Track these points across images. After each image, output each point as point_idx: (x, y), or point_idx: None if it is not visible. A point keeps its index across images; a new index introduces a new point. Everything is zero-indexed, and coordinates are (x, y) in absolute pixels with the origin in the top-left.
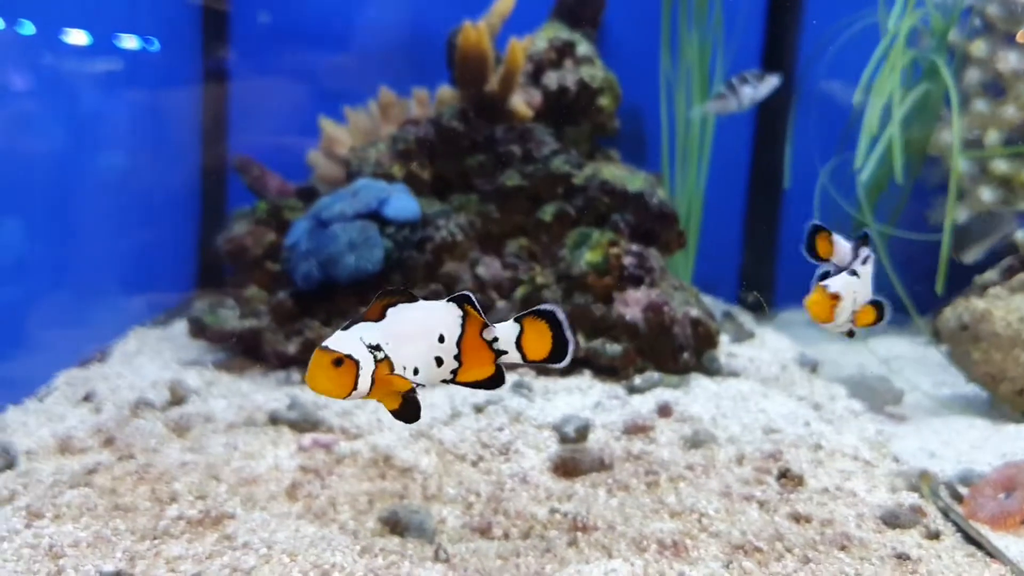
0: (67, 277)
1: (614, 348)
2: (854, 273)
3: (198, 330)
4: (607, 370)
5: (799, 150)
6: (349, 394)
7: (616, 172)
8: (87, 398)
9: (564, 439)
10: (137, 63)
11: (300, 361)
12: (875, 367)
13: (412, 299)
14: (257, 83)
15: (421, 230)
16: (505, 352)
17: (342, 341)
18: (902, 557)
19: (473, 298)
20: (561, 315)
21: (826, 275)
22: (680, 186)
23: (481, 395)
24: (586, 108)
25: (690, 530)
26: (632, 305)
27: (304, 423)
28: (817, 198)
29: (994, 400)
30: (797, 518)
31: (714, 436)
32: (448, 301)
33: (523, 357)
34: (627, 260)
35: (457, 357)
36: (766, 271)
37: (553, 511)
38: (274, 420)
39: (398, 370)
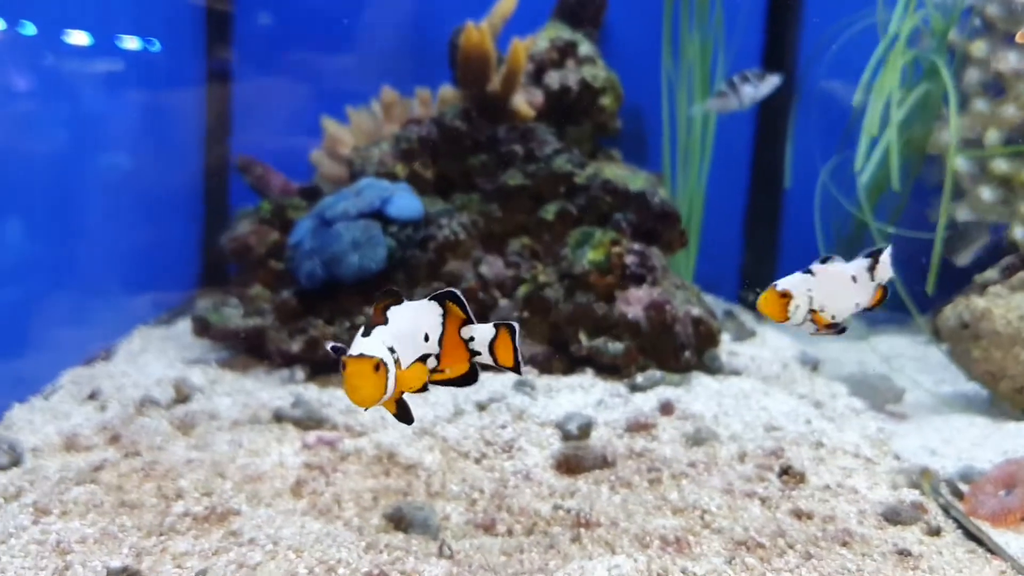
0: (71, 276)
1: (616, 346)
2: (809, 272)
3: (202, 329)
4: (609, 368)
5: (800, 149)
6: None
7: (618, 171)
8: (92, 396)
9: (567, 436)
10: (141, 64)
11: (304, 359)
12: (876, 365)
13: (400, 300)
14: (260, 83)
15: (424, 229)
16: (479, 353)
17: (373, 347)
18: (903, 553)
19: (458, 293)
20: (517, 331)
21: (827, 260)
22: (681, 185)
23: (484, 393)
24: (588, 108)
25: (692, 526)
26: (634, 304)
27: (308, 421)
28: (818, 197)
29: (994, 398)
30: (799, 514)
31: (716, 434)
32: (430, 299)
33: (494, 360)
34: (629, 259)
35: (438, 356)
36: (767, 270)
37: (556, 507)
38: (279, 418)
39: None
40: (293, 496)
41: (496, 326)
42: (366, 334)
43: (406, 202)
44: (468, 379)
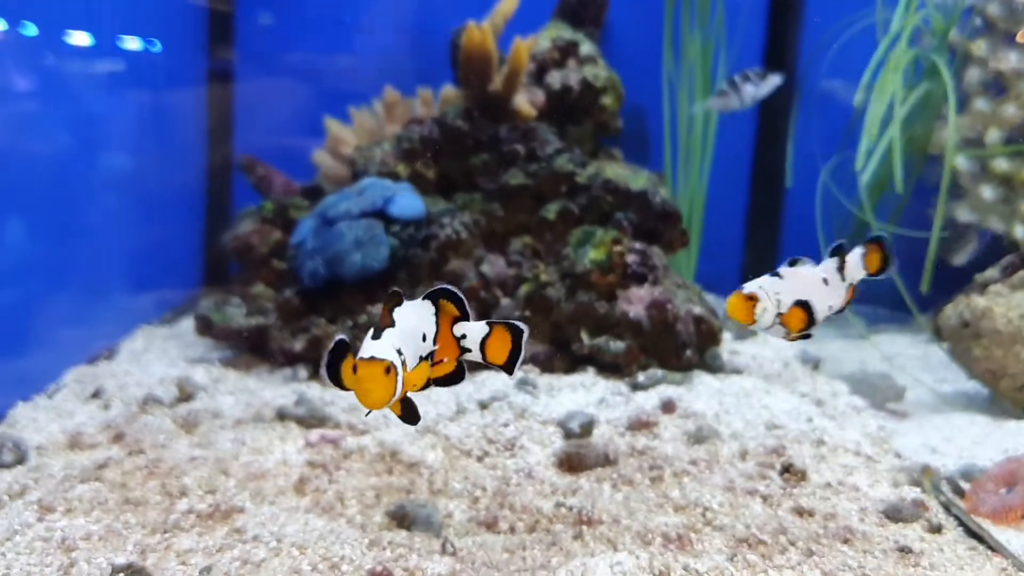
0: (75, 276)
1: (617, 345)
2: (777, 274)
3: (205, 328)
4: (611, 367)
5: (801, 149)
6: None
7: (619, 171)
8: (96, 395)
9: (569, 435)
10: (143, 64)
11: (306, 358)
12: (877, 364)
13: (401, 300)
14: (262, 84)
15: (426, 228)
16: (469, 350)
17: (384, 350)
18: (904, 550)
19: (454, 290)
20: (526, 334)
21: (836, 249)
22: (682, 185)
23: (486, 391)
24: (589, 107)
25: (694, 524)
26: (635, 303)
27: (311, 419)
28: (819, 197)
29: (995, 396)
30: (800, 512)
31: (717, 432)
32: (424, 298)
33: (483, 357)
34: (630, 258)
35: (431, 354)
36: (768, 269)
37: (558, 505)
38: (282, 416)
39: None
40: (296, 494)
41: (491, 324)
42: (376, 337)
43: (408, 201)
44: (454, 378)
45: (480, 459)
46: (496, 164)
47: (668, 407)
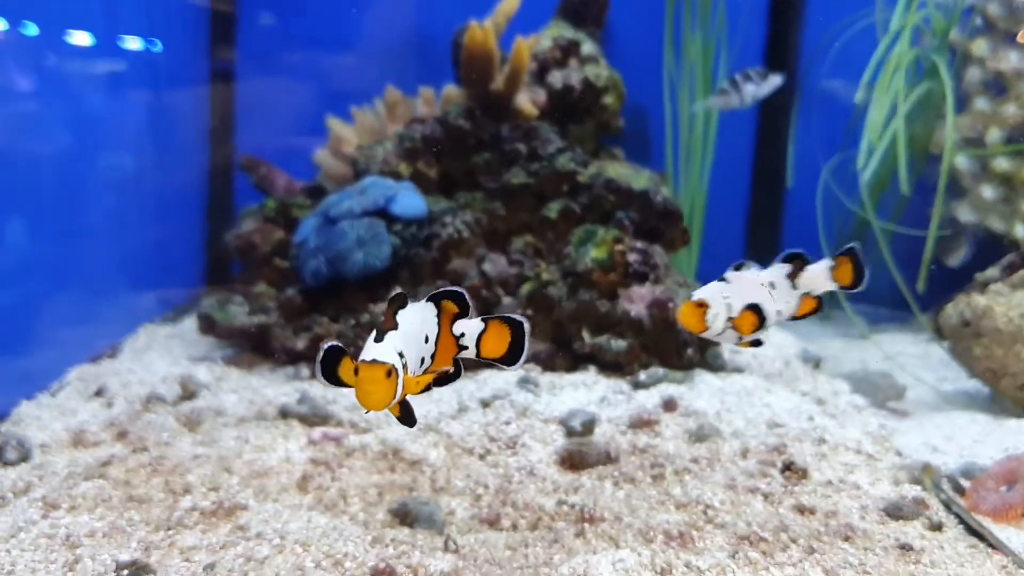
0: (78, 275)
1: (619, 344)
2: (723, 280)
3: (207, 326)
4: (612, 366)
5: (802, 148)
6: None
7: (621, 170)
8: (99, 393)
9: (570, 433)
10: (145, 64)
11: (309, 357)
12: (878, 363)
13: (405, 303)
14: (264, 83)
15: (428, 227)
16: (466, 348)
17: (386, 353)
18: (905, 548)
19: (459, 291)
20: (527, 327)
21: (790, 256)
22: (684, 184)
23: (488, 390)
24: (591, 107)
25: (696, 521)
26: (637, 301)
27: (314, 417)
28: (820, 196)
29: (996, 395)
30: (801, 510)
31: (719, 430)
32: (428, 300)
33: (477, 353)
34: (632, 257)
35: (433, 355)
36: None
37: (561, 503)
38: (284, 414)
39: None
40: (299, 491)
41: (487, 320)
42: (378, 339)
43: (410, 200)
44: (450, 377)
45: (482, 457)
46: (498, 163)
47: (669, 405)
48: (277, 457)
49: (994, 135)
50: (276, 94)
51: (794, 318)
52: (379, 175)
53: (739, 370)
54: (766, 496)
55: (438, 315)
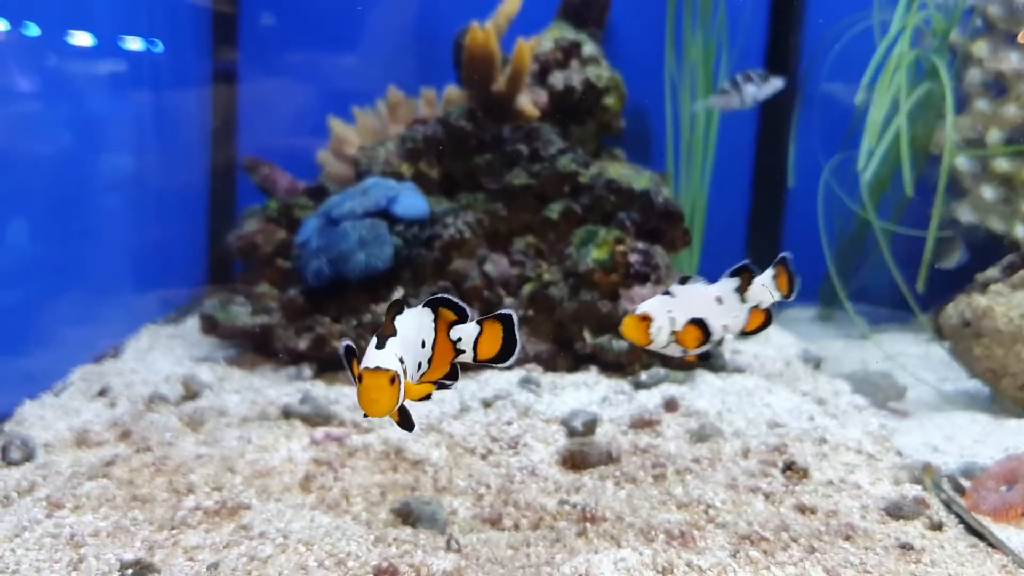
0: (81, 275)
1: (620, 344)
2: (668, 293)
3: (210, 327)
4: (613, 366)
5: (803, 148)
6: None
7: (622, 171)
8: (102, 393)
9: (572, 433)
10: (148, 65)
11: (311, 357)
12: (878, 363)
13: (403, 309)
14: (266, 84)
15: (430, 228)
16: (463, 352)
17: (388, 360)
18: (906, 547)
19: (454, 300)
20: (515, 319)
21: (738, 269)
22: (685, 184)
23: (490, 390)
24: (592, 108)
25: (697, 521)
26: (638, 302)
27: (316, 417)
28: (821, 196)
29: (996, 395)
30: (802, 509)
31: (720, 430)
32: (424, 305)
33: (474, 356)
34: (633, 257)
35: (430, 360)
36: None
37: (562, 502)
38: (287, 414)
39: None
40: (302, 491)
41: (481, 321)
42: (380, 346)
43: (412, 201)
44: (447, 380)
45: (484, 457)
46: (499, 164)
47: (671, 405)
48: (280, 457)
49: (994, 136)
50: (278, 95)
51: (744, 333)
52: (381, 176)
53: (740, 370)
54: (767, 496)
55: (435, 320)
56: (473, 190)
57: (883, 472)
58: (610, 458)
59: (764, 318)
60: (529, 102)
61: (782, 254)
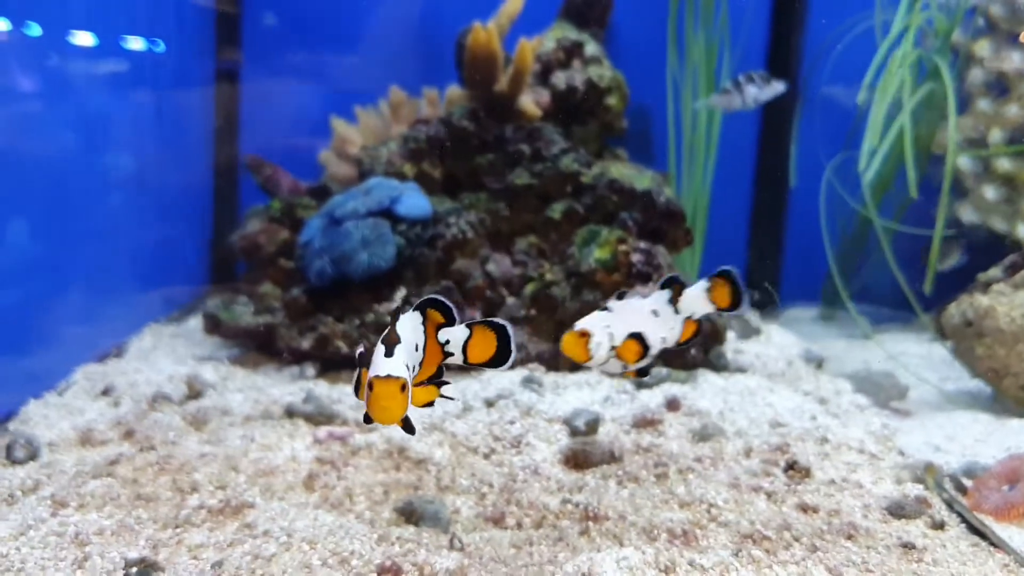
0: (84, 275)
1: None
2: (606, 308)
3: (213, 326)
4: None
5: (805, 148)
6: None
7: (624, 171)
8: (106, 392)
9: (574, 432)
10: (151, 65)
11: (314, 356)
12: (880, 363)
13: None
14: (268, 84)
15: (432, 228)
16: (452, 354)
17: (397, 368)
18: (907, 546)
19: (442, 300)
20: (511, 331)
21: (668, 282)
22: (687, 184)
23: (492, 390)
24: (594, 108)
25: (699, 520)
26: None
27: (319, 416)
28: (823, 195)
29: (998, 395)
30: (804, 508)
31: (722, 429)
32: (414, 309)
33: (464, 359)
34: (635, 257)
35: (420, 363)
36: (772, 268)
37: (565, 501)
38: (290, 413)
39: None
40: (306, 489)
41: (471, 325)
42: (388, 354)
43: (415, 201)
44: (450, 397)
45: (487, 456)
46: (502, 164)
47: (673, 405)
48: (283, 456)
49: (996, 136)
50: (281, 95)
51: (679, 344)
52: (384, 176)
53: (742, 370)
54: (769, 495)
55: (423, 323)
56: (475, 190)
57: (885, 471)
58: (612, 457)
59: (695, 328)
60: (531, 102)
61: (724, 267)
